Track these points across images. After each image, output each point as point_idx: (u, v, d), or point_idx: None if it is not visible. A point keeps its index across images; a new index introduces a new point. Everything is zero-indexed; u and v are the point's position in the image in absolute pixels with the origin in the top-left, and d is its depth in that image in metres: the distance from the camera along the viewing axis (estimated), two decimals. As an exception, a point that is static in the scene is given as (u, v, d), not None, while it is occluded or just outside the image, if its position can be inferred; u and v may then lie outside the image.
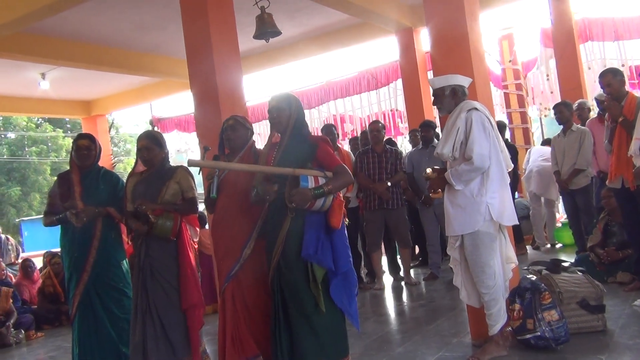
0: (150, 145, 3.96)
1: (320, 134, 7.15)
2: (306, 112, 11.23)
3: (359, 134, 8.64)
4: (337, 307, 3.22)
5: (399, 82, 9.88)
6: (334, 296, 3.19)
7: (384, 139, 6.77)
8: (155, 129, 12.23)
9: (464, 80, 3.74)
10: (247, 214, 3.57)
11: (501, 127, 7.68)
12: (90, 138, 4.41)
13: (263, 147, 3.61)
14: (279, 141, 3.47)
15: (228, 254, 3.62)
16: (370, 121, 7.50)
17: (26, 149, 26.80)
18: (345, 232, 3.37)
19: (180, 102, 15.18)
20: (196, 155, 11.64)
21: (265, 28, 6.01)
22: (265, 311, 3.49)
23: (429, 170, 3.80)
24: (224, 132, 3.77)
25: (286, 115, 3.39)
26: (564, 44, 8.37)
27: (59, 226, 4.32)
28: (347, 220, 3.39)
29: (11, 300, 6.61)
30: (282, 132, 3.43)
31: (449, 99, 3.72)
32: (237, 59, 5.24)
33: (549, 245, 7.80)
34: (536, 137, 10.13)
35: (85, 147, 4.29)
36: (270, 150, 3.49)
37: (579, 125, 6.43)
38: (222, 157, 3.75)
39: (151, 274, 3.79)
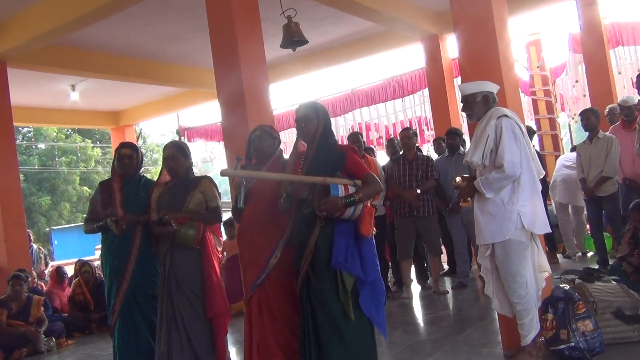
0: (176, 154, 4.00)
1: (346, 142, 7.13)
2: (332, 120, 11.28)
3: (384, 142, 8.61)
4: (365, 317, 3.19)
5: (425, 89, 9.84)
6: (362, 305, 3.17)
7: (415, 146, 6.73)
8: (182, 138, 12.36)
9: (493, 87, 3.70)
10: (274, 224, 3.57)
11: (529, 133, 7.60)
12: (132, 147, 4.46)
13: (289, 156, 3.61)
14: (305, 150, 3.47)
15: (254, 263, 3.63)
16: (396, 129, 7.47)
17: (56, 159, 27.24)
18: (374, 241, 3.35)
19: (207, 112, 15.35)
20: (223, 164, 11.73)
21: (292, 37, 6.04)
22: (291, 319, 3.48)
23: (458, 179, 3.76)
24: (251, 142, 3.79)
25: (314, 125, 3.39)
26: (594, 49, 8.25)
27: (94, 235, 4.37)
28: (374, 229, 3.36)
29: (42, 309, 6.70)
30: (310, 141, 3.43)
31: (481, 105, 3.68)
32: (263, 68, 5.27)
33: (580, 254, 7.65)
34: (565, 143, 9.98)
35: (127, 156, 4.34)
36: (297, 159, 3.48)
37: (605, 133, 6.31)
38: (250, 167, 3.76)
39: (176, 283, 3.81)
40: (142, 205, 4.21)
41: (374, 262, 3.26)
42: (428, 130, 10.42)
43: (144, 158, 5.19)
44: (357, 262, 3.18)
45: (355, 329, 3.17)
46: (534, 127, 9.01)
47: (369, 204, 3.33)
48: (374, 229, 3.37)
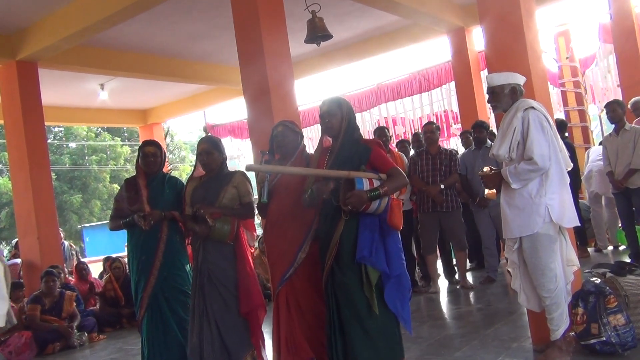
0: (210, 149, 4.03)
1: (372, 136, 7.11)
2: (358, 115, 11.25)
3: (410, 136, 8.56)
4: (390, 311, 3.18)
5: (452, 83, 9.75)
6: (387, 299, 3.16)
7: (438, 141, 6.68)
8: (209, 135, 12.46)
9: (521, 79, 3.65)
10: (301, 218, 3.58)
11: (562, 125, 7.49)
12: (156, 145, 4.51)
13: (314, 151, 3.62)
14: (330, 145, 3.47)
15: (282, 258, 3.64)
16: (422, 123, 7.42)
17: (86, 158, 27.74)
18: (399, 235, 3.33)
19: (233, 109, 15.45)
20: (249, 161, 11.80)
21: (317, 32, 6.03)
22: (319, 315, 3.49)
23: (486, 168, 3.72)
24: (274, 138, 3.81)
25: (338, 120, 3.39)
26: (625, 39, 8.09)
27: (123, 231, 4.43)
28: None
29: (75, 304, 6.83)
30: (335, 136, 3.42)
31: (508, 97, 3.63)
32: (289, 64, 5.28)
33: (611, 247, 7.52)
34: (595, 135, 9.79)
35: (152, 154, 4.39)
36: (322, 154, 3.49)
37: (632, 124, 6.18)
38: (274, 162, 3.77)
39: (209, 277, 3.84)
40: (168, 202, 4.26)
41: (400, 256, 3.25)
42: (455, 123, 10.32)
43: (172, 155, 5.24)
44: (382, 256, 3.17)
45: (380, 323, 3.16)
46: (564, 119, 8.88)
47: (394, 197, 3.31)
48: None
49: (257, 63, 5.07)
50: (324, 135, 3.49)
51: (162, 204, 4.26)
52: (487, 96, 3.76)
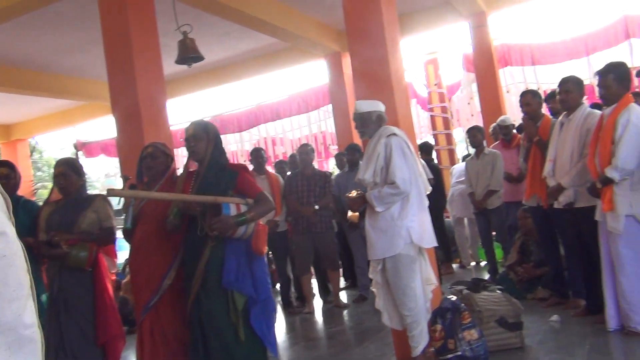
0: (67, 171, 3.84)
1: (250, 157, 7.11)
2: (237, 135, 11.25)
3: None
4: (257, 336, 3.18)
5: (330, 105, 10.00)
6: (254, 324, 3.16)
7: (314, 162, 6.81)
8: (80, 153, 11.87)
9: (383, 107, 3.84)
10: (167, 244, 3.49)
11: (428, 148, 7.93)
12: (8, 166, 4.22)
13: (178, 175, 3.56)
14: (196, 170, 3.43)
15: (146, 285, 3.51)
16: (301, 144, 7.55)
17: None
18: (265, 259, 3.35)
19: (106, 126, 14.81)
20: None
21: (188, 53, 5.92)
22: (184, 343, 3.41)
23: (353, 192, 3.87)
24: (143, 159, 3.70)
25: (204, 144, 3.36)
26: (485, 68, 8.73)
27: None
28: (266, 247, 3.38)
29: None
30: (200, 161, 3.39)
31: (375, 124, 3.80)
32: (161, 83, 5.15)
33: (474, 263, 8.02)
34: (461, 157, 10.44)
35: (4, 176, 4.11)
36: (187, 179, 3.43)
37: (490, 148, 6.68)
38: (141, 186, 3.66)
39: (65, 307, 3.63)
40: (23, 227, 3.99)
41: (266, 280, 3.27)
42: (333, 144, 10.60)
43: (40, 172, 4.92)
44: (249, 281, 3.17)
45: (246, 349, 3.15)
46: (433, 142, 9.41)
47: (261, 222, 3.34)
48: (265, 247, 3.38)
49: (128, 81, 4.90)
50: (189, 159, 3.45)
51: (16, 229, 3.97)
52: (354, 122, 3.90)
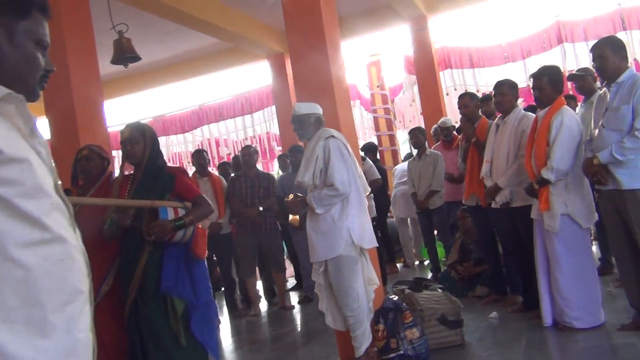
0: None
1: (192, 159, 7.00)
2: (180, 136, 11.07)
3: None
4: (197, 341, 3.13)
5: (273, 106, 9.97)
6: (194, 329, 3.11)
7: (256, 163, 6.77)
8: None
9: (321, 110, 3.85)
10: (102, 250, 3.37)
11: (373, 148, 8.00)
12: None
13: (114, 179, 3.46)
14: (132, 173, 3.34)
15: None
16: (244, 145, 7.48)
17: None
18: (205, 263, 3.30)
19: (40, 128, 14.23)
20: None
21: (124, 53, 5.75)
22: (123, 350, 3.31)
23: (291, 195, 3.86)
24: (78, 162, 3.57)
25: (141, 147, 3.27)
26: (426, 71, 8.89)
27: None
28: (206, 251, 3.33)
29: None
30: (137, 164, 3.30)
31: (313, 126, 3.80)
32: (97, 83, 5.00)
33: (417, 262, 8.14)
34: (404, 158, 10.59)
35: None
36: (124, 183, 3.34)
37: (432, 149, 6.80)
38: (75, 190, 3.54)
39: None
40: None
41: (206, 284, 3.23)
42: (278, 146, 10.56)
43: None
44: (188, 286, 3.12)
45: (186, 355, 3.09)
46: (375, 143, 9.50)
47: (200, 226, 3.28)
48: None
49: (61, 82, 4.73)
50: (125, 162, 3.35)
51: None
52: (293, 125, 3.89)
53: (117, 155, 7.71)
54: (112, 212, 3.18)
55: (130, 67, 7.56)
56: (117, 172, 3.69)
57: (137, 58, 5.85)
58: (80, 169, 3.57)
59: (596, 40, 3.86)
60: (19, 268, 1.14)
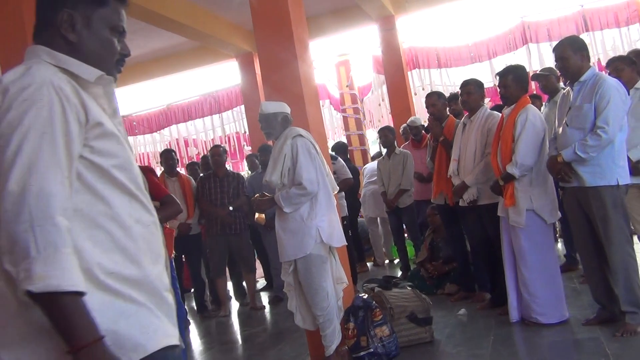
0: None
1: (159, 158, 6.91)
2: (148, 136, 10.94)
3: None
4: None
5: (243, 106, 9.92)
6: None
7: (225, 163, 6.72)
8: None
9: (288, 109, 3.84)
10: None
11: (343, 148, 8.01)
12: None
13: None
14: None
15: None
16: (213, 145, 7.42)
17: None
18: (173, 263, 3.27)
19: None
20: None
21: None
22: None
23: (257, 195, 3.85)
24: None
25: None
26: (394, 70, 8.95)
27: None
28: (173, 252, 3.29)
29: None
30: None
31: (280, 125, 3.79)
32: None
33: (387, 261, 8.18)
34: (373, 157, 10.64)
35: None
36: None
37: (401, 148, 6.85)
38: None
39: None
40: None
41: (174, 285, 3.18)
42: (247, 145, 10.51)
43: None
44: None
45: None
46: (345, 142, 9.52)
47: (167, 226, 3.25)
48: (173, 251, 3.30)
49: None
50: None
51: None
52: (260, 124, 3.87)
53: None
54: None
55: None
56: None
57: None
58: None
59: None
60: (121, 229, 1.31)
